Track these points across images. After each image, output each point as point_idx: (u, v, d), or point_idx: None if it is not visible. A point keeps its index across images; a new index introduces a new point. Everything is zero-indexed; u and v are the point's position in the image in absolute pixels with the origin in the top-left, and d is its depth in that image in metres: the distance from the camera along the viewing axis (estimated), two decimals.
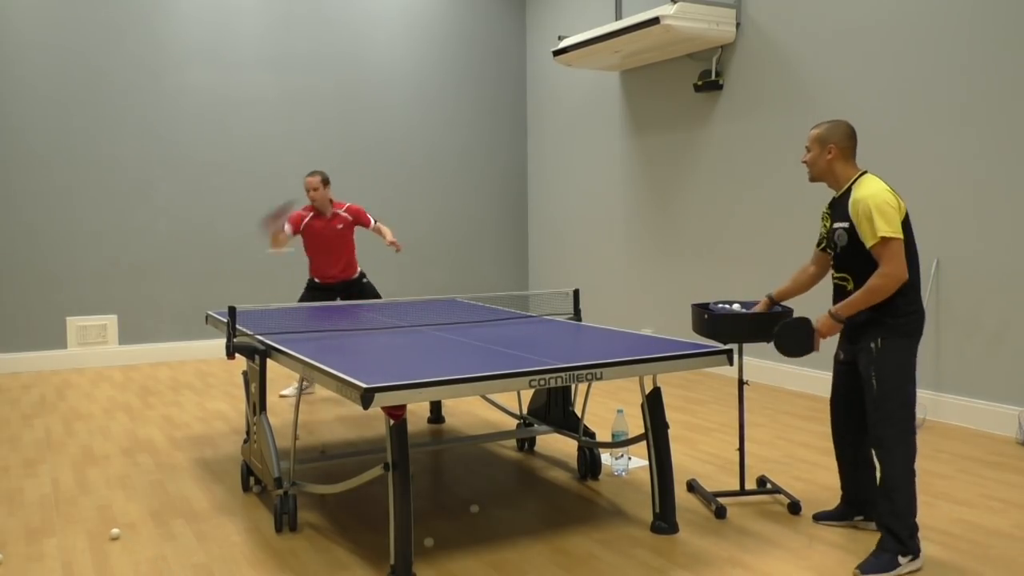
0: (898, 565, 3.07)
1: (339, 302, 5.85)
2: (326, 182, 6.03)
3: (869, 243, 3.13)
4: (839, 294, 3.36)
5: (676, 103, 7.30)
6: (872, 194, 3.14)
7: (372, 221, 6.20)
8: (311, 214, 6.07)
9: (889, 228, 3.09)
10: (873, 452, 3.22)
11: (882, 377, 3.14)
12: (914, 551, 3.10)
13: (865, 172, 3.29)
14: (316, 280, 6.21)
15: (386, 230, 6.13)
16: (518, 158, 9.49)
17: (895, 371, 3.15)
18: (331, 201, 6.11)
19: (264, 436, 3.70)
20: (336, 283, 6.20)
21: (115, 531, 3.54)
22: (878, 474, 3.18)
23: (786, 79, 6.27)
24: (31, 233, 7.41)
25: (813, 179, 3.40)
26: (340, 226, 6.11)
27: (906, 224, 3.17)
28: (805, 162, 3.40)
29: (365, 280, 6.34)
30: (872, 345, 3.17)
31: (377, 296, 6.31)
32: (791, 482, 4.10)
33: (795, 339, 3.31)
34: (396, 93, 8.79)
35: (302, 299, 6.21)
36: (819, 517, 3.61)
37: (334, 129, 8.52)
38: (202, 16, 7.94)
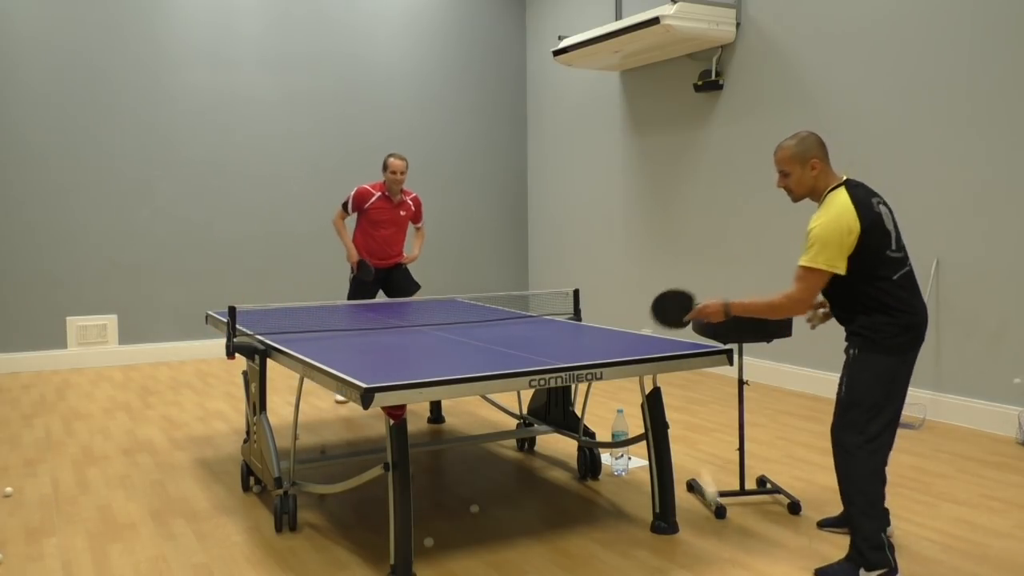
0: None
1: (339, 302, 5.84)
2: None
3: (799, 262, 3.03)
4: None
5: (676, 103, 7.30)
6: (825, 222, 2.98)
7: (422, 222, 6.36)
8: (379, 193, 6.03)
9: (818, 260, 2.96)
10: (833, 456, 3.10)
11: (851, 385, 3.05)
12: (880, 564, 2.93)
13: (841, 183, 3.09)
14: (368, 264, 6.06)
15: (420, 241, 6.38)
16: (518, 158, 9.49)
17: (866, 382, 3.02)
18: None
19: (264, 436, 3.70)
20: (390, 266, 6.18)
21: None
22: (837, 481, 3.08)
23: (786, 79, 6.27)
24: (31, 233, 7.42)
25: (797, 199, 3.21)
26: (403, 213, 6.14)
27: (878, 233, 2.98)
28: (786, 187, 3.18)
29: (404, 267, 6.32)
30: (851, 351, 3.09)
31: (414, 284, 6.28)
32: (791, 482, 4.10)
33: (670, 307, 3.37)
34: (396, 93, 8.79)
35: (351, 294, 6.13)
36: (823, 524, 3.55)
37: (334, 129, 8.52)
38: (202, 16, 7.94)
